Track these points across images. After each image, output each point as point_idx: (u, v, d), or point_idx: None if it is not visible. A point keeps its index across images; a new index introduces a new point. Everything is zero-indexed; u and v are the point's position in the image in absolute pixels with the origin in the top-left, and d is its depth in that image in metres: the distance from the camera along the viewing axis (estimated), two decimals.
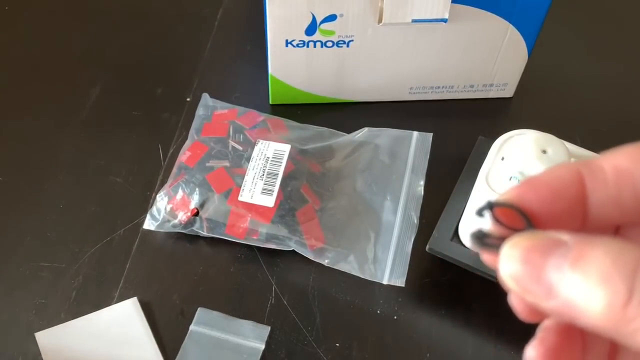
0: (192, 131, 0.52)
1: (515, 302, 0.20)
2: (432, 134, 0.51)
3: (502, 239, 0.18)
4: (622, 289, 0.15)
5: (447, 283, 0.46)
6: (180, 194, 0.47)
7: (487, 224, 0.18)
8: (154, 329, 0.44)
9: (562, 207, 0.18)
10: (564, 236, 0.17)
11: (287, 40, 0.49)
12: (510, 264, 0.17)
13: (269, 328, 0.43)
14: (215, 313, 0.44)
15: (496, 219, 0.18)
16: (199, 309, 0.44)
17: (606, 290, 0.15)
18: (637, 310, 0.15)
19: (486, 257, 0.19)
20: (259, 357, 0.42)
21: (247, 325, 0.43)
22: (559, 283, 0.16)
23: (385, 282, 0.45)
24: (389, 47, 0.50)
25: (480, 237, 0.18)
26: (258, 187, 0.47)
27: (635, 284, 0.15)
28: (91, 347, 0.43)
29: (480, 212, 0.19)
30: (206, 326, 0.43)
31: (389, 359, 0.43)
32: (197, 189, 0.47)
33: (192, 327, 0.43)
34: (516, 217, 0.18)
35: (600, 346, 0.21)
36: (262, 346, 0.42)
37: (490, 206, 0.18)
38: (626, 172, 0.18)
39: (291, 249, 0.46)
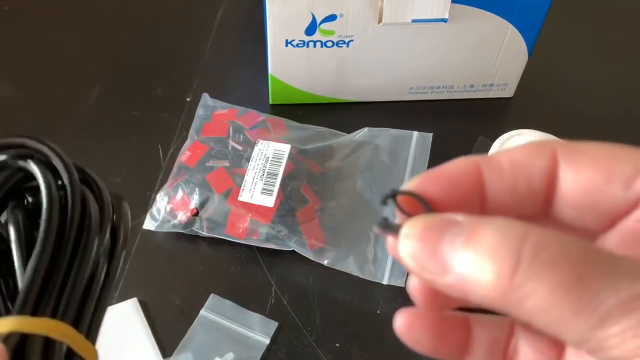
0: (192, 131, 0.52)
1: (413, 290, 0.21)
2: (432, 134, 0.51)
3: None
4: (510, 258, 0.16)
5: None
6: (180, 194, 0.47)
7: (390, 212, 0.20)
8: (153, 329, 0.43)
9: (460, 195, 0.20)
10: (459, 217, 0.18)
11: (287, 40, 0.49)
12: (408, 242, 0.18)
13: (276, 324, 0.43)
14: (227, 302, 0.44)
15: (399, 207, 0.19)
16: (211, 295, 0.44)
17: (495, 260, 0.16)
18: (524, 278, 0.16)
19: (390, 243, 0.20)
20: (263, 351, 0.42)
21: (255, 318, 0.44)
22: (453, 258, 0.17)
23: (385, 282, 0.45)
24: (389, 47, 0.50)
25: (385, 224, 0.19)
26: (258, 187, 0.47)
27: (521, 253, 0.16)
28: None
29: (384, 201, 0.20)
30: (216, 313, 0.44)
31: (389, 359, 0.43)
32: (197, 189, 0.47)
33: (202, 312, 0.44)
34: (417, 205, 0.19)
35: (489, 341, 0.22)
36: (267, 341, 0.43)
37: (394, 194, 0.20)
38: (520, 164, 0.19)
39: (291, 249, 0.46)
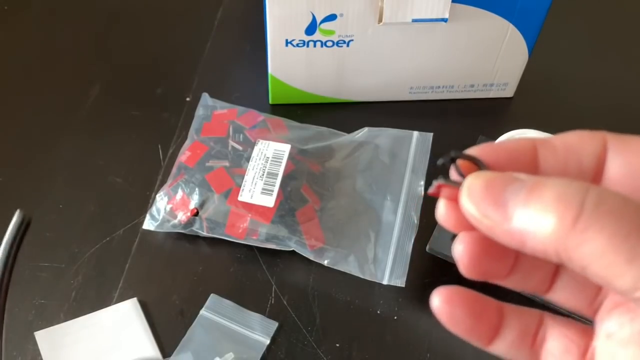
0: (191, 131, 0.52)
1: (459, 254, 0.22)
2: (432, 133, 0.51)
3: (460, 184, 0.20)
4: (574, 206, 0.17)
5: (447, 283, 0.45)
6: (180, 194, 0.47)
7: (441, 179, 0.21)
8: (153, 329, 0.43)
9: (516, 168, 0.21)
10: (521, 175, 0.19)
11: (287, 40, 0.49)
12: (472, 190, 0.20)
13: (276, 324, 0.43)
14: (226, 301, 0.44)
15: (458, 169, 0.21)
16: (211, 295, 0.44)
17: (558, 208, 0.18)
18: (586, 224, 0.17)
19: (442, 204, 0.21)
20: (263, 351, 0.42)
21: (255, 318, 0.44)
22: (515, 207, 0.18)
23: (385, 282, 0.45)
24: (389, 47, 0.50)
25: (444, 179, 0.20)
26: (258, 187, 0.47)
27: (585, 202, 0.17)
28: (91, 347, 0.43)
29: (443, 163, 0.21)
30: (216, 313, 0.44)
31: (389, 359, 0.42)
32: (196, 189, 0.47)
33: (202, 312, 0.44)
34: (476, 170, 0.21)
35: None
36: (267, 341, 0.43)
37: (453, 158, 0.21)
38: (573, 147, 0.21)
39: (291, 249, 0.46)
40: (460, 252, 0.22)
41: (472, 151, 0.21)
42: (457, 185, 0.20)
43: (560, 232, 0.17)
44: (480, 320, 0.23)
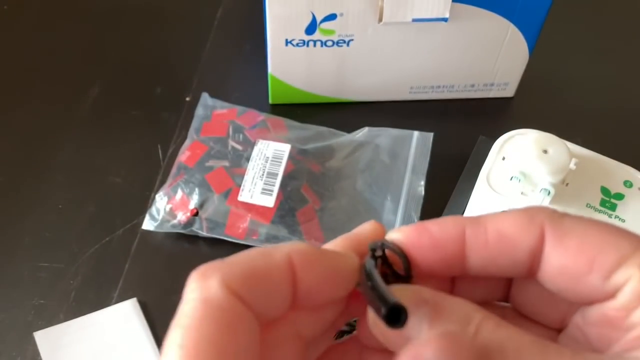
0: (191, 131, 0.52)
1: (366, 332, 0.21)
2: (432, 133, 0.51)
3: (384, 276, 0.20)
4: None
5: None
6: (179, 194, 0.47)
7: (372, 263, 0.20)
8: (153, 329, 0.43)
9: (441, 257, 0.20)
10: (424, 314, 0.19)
11: (287, 40, 0.49)
12: (376, 324, 0.20)
13: None
14: None
15: (384, 261, 0.21)
16: None
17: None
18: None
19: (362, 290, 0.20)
20: None
21: None
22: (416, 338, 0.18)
23: None
24: (389, 46, 0.50)
25: (367, 285, 0.19)
26: (258, 187, 0.47)
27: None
28: (90, 347, 0.42)
29: (373, 252, 0.21)
30: None
31: None
32: (196, 189, 0.47)
33: None
34: (398, 262, 0.21)
35: None
36: None
37: (383, 246, 0.21)
38: (507, 238, 0.20)
39: None
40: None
41: (399, 237, 0.21)
42: (372, 299, 0.19)
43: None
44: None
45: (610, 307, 0.19)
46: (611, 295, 0.19)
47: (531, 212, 0.20)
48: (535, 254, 0.20)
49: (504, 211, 0.21)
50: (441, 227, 0.20)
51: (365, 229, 0.22)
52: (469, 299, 0.19)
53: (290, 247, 0.19)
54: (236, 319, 0.17)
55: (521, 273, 0.21)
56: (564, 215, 0.20)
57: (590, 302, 0.20)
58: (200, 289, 0.18)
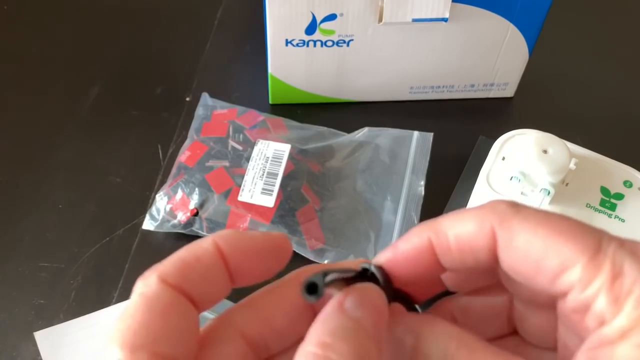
0: (191, 131, 0.52)
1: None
2: (432, 133, 0.51)
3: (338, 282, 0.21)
4: None
5: None
6: (179, 194, 0.47)
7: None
8: None
9: (420, 271, 0.22)
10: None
11: (287, 40, 0.49)
12: None
13: None
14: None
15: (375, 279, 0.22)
16: None
17: None
18: None
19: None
20: None
21: None
22: None
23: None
24: (389, 46, 0.50)
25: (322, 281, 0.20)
26: (258, 187, 0.47)
27: None
28: (90, 347, 0.42)
29: (365, 270, 0.22)
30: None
31: None
32: (196, 188, 0.47)
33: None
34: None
35: None
36: None
37: (366, 269, 0.22)
38: (465, 243, 0.21)
39: None
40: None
41: (377, 258, 0.22)
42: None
43: None
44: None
45: (570, 307, 0.20)
46: (563, 294, 0.20)
47: (484, 213, 0.21)
48: (493, 253, 0.21)
49: (462, 211, 0.21)
50: (407, 242, 0.22)
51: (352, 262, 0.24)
52: (478, 335, 0.20)
53: (214, 234, 0.21)
54: (168, 306, 0.19)
55: (494, 268, 0.21)
56: (517, 212, 0.20)
57: (549, 299, 0.21)
58: (141, 287, 0.20)
